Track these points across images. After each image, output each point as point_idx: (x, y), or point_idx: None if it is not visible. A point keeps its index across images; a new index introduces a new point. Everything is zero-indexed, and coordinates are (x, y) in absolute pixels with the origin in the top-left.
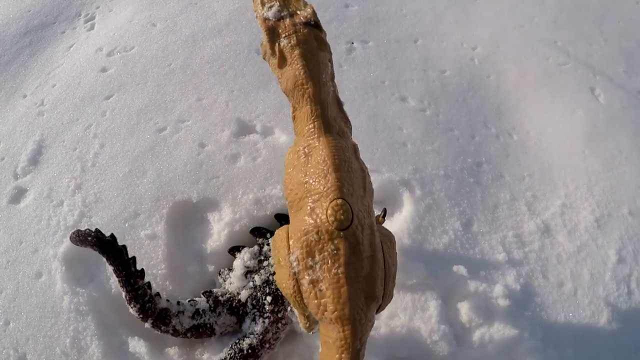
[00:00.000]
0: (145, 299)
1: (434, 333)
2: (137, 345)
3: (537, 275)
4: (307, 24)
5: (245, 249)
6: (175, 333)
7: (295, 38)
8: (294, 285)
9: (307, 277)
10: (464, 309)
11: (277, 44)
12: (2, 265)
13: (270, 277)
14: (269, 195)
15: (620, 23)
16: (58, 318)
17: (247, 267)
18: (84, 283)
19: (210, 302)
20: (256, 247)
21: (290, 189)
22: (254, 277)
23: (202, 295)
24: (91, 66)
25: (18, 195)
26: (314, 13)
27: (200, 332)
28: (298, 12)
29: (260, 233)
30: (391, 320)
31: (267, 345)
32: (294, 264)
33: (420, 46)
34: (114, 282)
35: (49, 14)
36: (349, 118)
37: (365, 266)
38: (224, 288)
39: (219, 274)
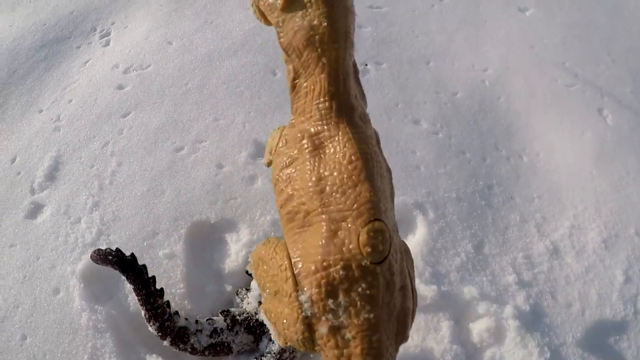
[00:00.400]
0: (165, 317)
1: (446, 353)
2: None
3: (546, 296)
4: None
5: None
6: (194, 351)
7: None
8: (303, 332)
9: (325, 323)
10: (476, 330)
11: None
12: (19, 280)
13: None
14: None
15: (628, 42)
16: (76, 335)
17: None
18: (102, 301)
19: (228, 321)
20: None
21: (290, 193)
22: None
23: (220, 315)
24: (107, 83)
25: (35, 210)
26: None
27: (217, 350)
28: None
29: None
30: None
31: None
32: (306, 305)
33: (432, 68)
34: (132, 299)
35: (65, 28)
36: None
37: (397, 302)
38: (242, 307)
39: (237, 294)
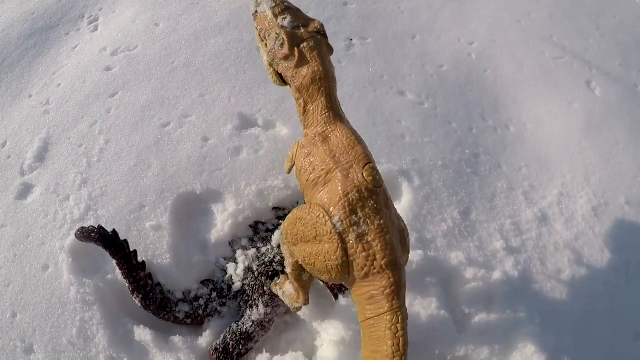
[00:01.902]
0: (147, 289)
1: (434, 319)
2: (142, 333)
3: (535, 263)
4: (318, 32)
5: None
6: (176, 320)
7: (313, 42)
8: (342, 256)
9: (353, 234)
10: (464, 296)
11: (295, 47)
12: (10, 259)
13: (268, 266)
14: (271, 186)
15: (617, 18)
16: (65, 309)
17: (249, 265)
18: (90, 274)
19: (209, 290)
20: (254, 250)
21: (312, 169)
22: (252, 265)
23: (201, 284)
24: (95, 65)
25: (25, 191)
26: (322, 25)
27: (199, 318)
28: (309, 24)
29: (257, 230)
30: None
31: (263, 329)
32: (338, 225)
33: (417, 42)
34: (119, 272)
35: (53, 16)
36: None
37: (395, 220)
38: (224, 277)
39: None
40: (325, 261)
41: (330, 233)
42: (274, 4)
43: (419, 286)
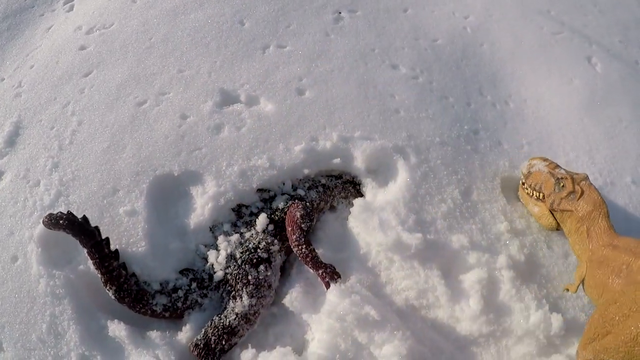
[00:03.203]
0: (121, 280)
1: (435, 308)
2: (116, 328)
3: (541, 246)
4: (586, 179)
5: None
6: (153, 313)
7: (588, 181)
8: None
9: None
10: (466, 281)
11: (577, 185)
12: None
13: (252, 253)
14: (254, 166)
15: None
16: (34, 303)
17: (232, 252)
18: (60, 265)
19: (189, 280)
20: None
21: (611, 270)
22: (235, 252)
23: (180, 274)
24: (70, 45)
25: None
26: (587, 175)
27: (178, 311)
28: (578, 174)
29: (240, 213)
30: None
31: (248, 322)
32: None
33: (410, 15)
34: (91, 263)
35: None
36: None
37: None
38: (205, 265)
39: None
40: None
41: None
42: (547, 163)
43: (418, 272)
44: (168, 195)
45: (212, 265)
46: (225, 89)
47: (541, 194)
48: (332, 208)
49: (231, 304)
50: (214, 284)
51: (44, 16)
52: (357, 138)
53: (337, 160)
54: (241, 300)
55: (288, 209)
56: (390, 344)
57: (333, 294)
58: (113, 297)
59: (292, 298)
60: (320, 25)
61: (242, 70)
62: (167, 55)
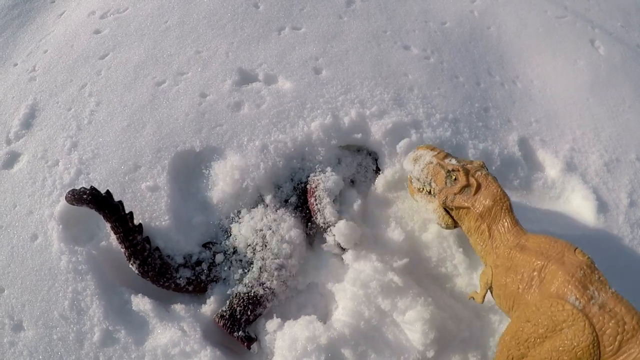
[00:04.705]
0: (145, 254)
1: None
2: (140, 302)
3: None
4: (482, 167)
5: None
6: (177, 287)
7: (484, 170)
8: (591, 332)
9: (594, 306)
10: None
11: (471, 177)
12: None
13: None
14: (276, 139)
15: None
16: (55, 280)
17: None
18: (82, 241)
19: (212, 253)
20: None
21: (520, 277)
22: (258, 225)
23: (203, 247)
24: (84, 29)
25: (11, 160)
26: (484, 162)
27: (202, 284)
28: (472, 162)
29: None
30: None
31: (272, 292)
32: (576, 303)
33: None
34: (114, 239)
35: None
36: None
37: None
38: (228, 238)
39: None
40: (573, 348)
41: (573, 314)
42: (435, 153)
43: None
44: (190, 170)
45: (235, 237)
46: (243, 68)
47: (432, 189)
48: (352, 183)
49: (256, 274)
50: (238, 256)
51: (55, 3)
52: (374, 114)
53: (358, 135)
54: (266, 271)
55: (308, 183)
56: (413, 309)
57: (358, 263)
58: (137, 271)
59: (316, 269)
60: (333, 8)
61: (259, 50)
62: (184, 37)
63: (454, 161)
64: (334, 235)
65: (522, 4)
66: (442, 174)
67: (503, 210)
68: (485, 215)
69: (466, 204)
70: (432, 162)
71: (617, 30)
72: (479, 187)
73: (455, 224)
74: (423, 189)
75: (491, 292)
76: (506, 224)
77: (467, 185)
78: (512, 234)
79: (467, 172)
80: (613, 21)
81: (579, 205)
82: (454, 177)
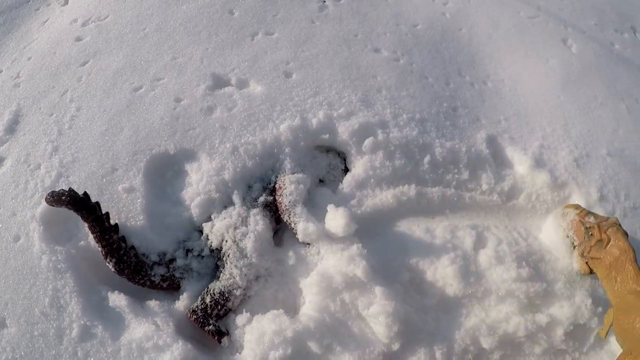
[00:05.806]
0: (121, 252)
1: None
2: (117, 299)
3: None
4: (615, 224)
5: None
6: (152, 284)
7: (615, 227)
8: None
9: None
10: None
11: (604, 233)
12: None
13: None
14: (246, 141)
15: None
16: (37, 278)
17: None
18: (62, 241)
19: (185, 251)
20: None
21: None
22: (228, 225)
23: (177, 245)
24: (66, 37)
25: None
26: (617, 219)
27: (175, 281)
28: (608, 219)
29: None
30: None
31: (242, 288)
32: None
33: (391, 3)
34: (92, 238)
35: None
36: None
37: None
38: (200, 237)
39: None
40: None
41: None
42: (578, 211)
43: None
44: (164, 172)
45: (207, 235)
46: (216, 73)
47: (574, 242)
48: (321, 182)
49: (226, 271)
50: (209, 253)
51: (40, 10)
52: (342, 115)
53: (325, 136)
54: (236, 268)
55: (276, 182)
56: (376, 303)
57: (324, 259)
58: (113, 269)
59: (285, 265)
60: (305, 13)
61: (233, 55)
62: (161, 44)
63: (592, 218)
64: (300, 232)
65: (495, 6)
66: (582, 230)
67: (627, 261)
68: (613, 265)
69: (598, 256)
70: (575, 219)
71: (591, 28)
72: (608, 241)
73: (590, 271)
74: (570, 241)
75: (613, 330)
76: (629, 272)
77: (600, 240)
78: (633, 281)
79: (600, 229)
80: (587, 20)
81: None
82: (590, 233)
